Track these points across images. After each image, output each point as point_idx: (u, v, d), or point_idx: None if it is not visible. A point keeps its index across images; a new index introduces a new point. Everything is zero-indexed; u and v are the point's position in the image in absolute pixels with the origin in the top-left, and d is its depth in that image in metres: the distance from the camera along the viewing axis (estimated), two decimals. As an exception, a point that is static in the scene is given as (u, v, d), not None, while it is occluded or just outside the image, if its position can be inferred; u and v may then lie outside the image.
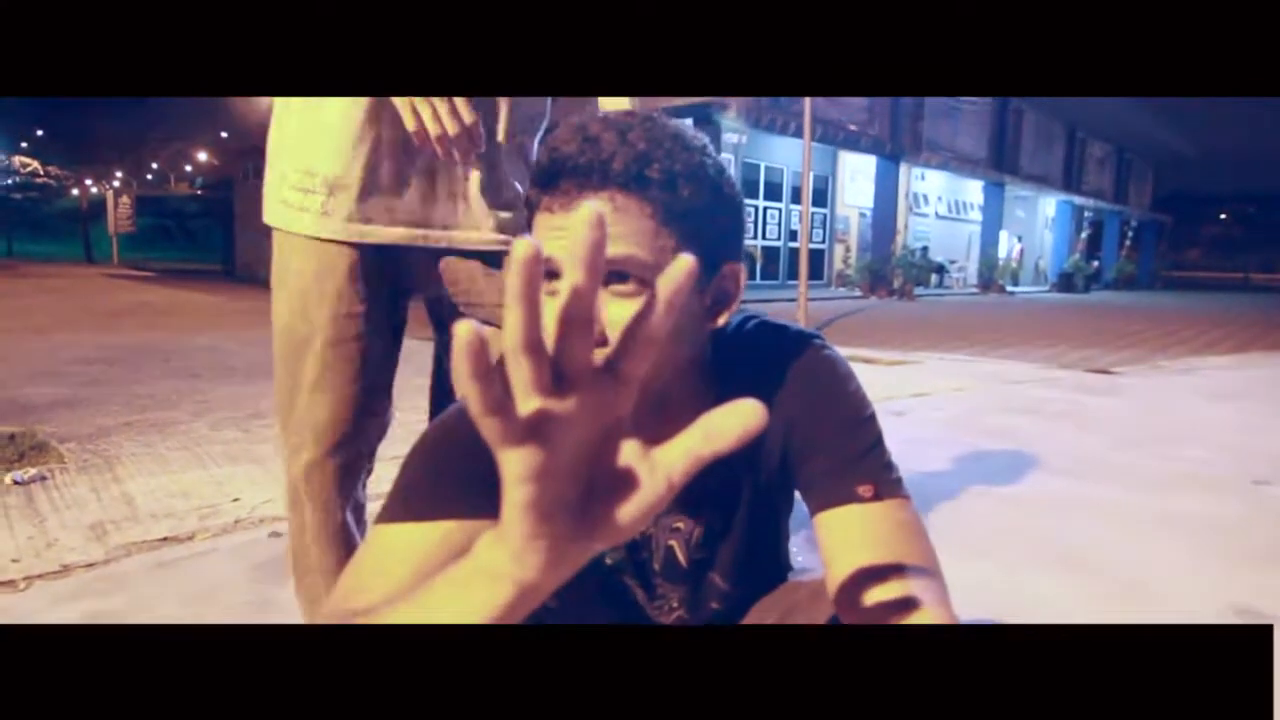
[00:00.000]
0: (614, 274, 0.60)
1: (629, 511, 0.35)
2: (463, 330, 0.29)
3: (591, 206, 0.31)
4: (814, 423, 0.69)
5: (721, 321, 0.69)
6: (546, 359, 0.31)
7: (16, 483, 2.26)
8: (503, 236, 1.11)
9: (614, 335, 0.60)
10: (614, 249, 0.59)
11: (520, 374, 0.31)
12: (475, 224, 1.11)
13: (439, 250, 1.12)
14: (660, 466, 0.35)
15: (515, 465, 0.33)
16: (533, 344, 0.31)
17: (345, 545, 1.19)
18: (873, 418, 0.70)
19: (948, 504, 2.29)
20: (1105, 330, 9.02)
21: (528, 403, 0.32)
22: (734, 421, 0.34)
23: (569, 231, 0.60)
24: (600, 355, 0.33)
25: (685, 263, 0.32)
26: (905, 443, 3.01)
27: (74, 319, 7.59)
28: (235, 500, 2.16)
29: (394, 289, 1.14)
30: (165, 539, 1.88)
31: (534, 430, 0.32)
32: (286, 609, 1.52)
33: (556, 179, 0.60)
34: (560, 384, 0.32)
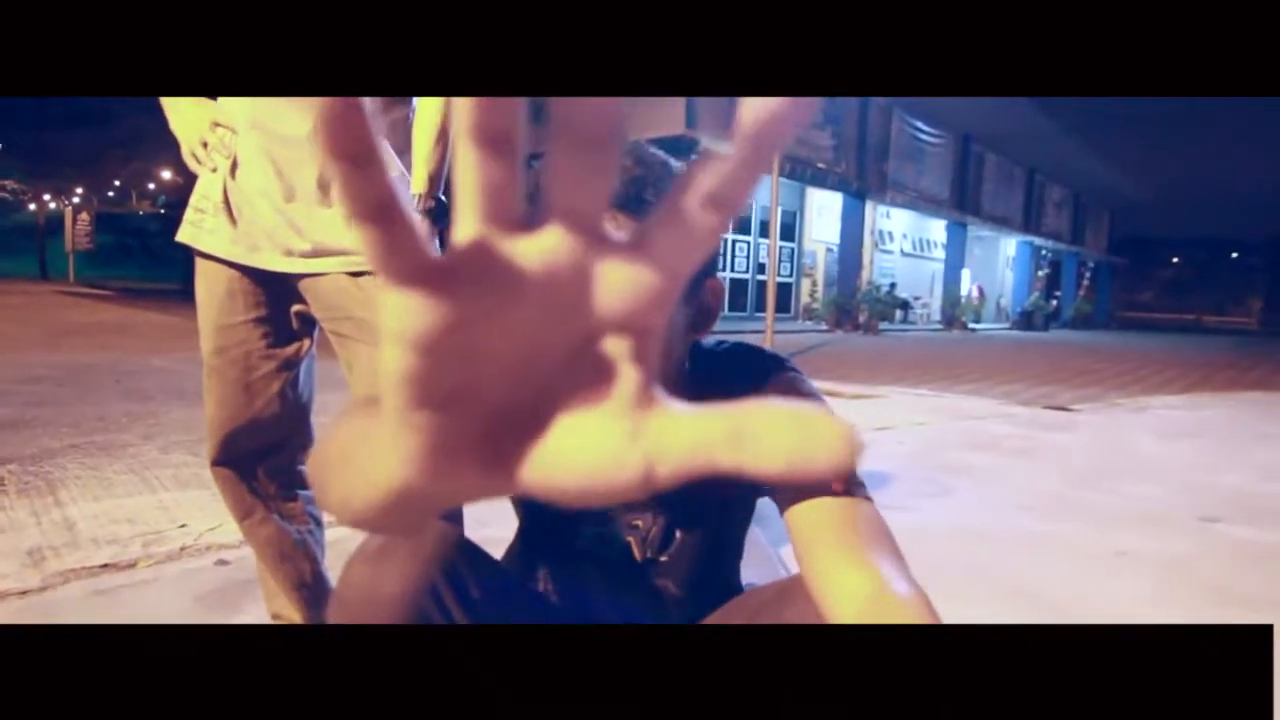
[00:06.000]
0: None
1: (562, 479, 0.21)
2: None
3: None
4: None
5: (707, 333, 0.73)
6: (516, 164, 0.19)
7: (-50, 506, 2.17)
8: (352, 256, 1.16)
9: None
10: None
11: (475, 180, 0.19)
12: (324, 246, 1.15)
13: (300, 273, 1.17)
14: (647, 439, 0.21)
15: (402, 313, 0.19)
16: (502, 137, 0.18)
17: (280, 555, 1.21)
18: None
19: (904, 537, 2.30)
20: (1063, 368, 9.22)
21: (468, 227, 0.19)
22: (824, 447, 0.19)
23: None
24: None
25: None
26: (868, 476, 3.02)
27: (23, 337, 7.37)
28: (182, 527, 2.10)
29: (279, 304, 1.20)
30: (106, 566, 1.81)
31: (458, 272, 0.19)
32: (229, 641, 1.47)
33: None
34: (552, 222, 0.20)
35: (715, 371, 0.75)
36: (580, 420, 0.21)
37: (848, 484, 0.68)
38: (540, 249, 0.20)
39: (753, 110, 0.18)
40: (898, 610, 0.59)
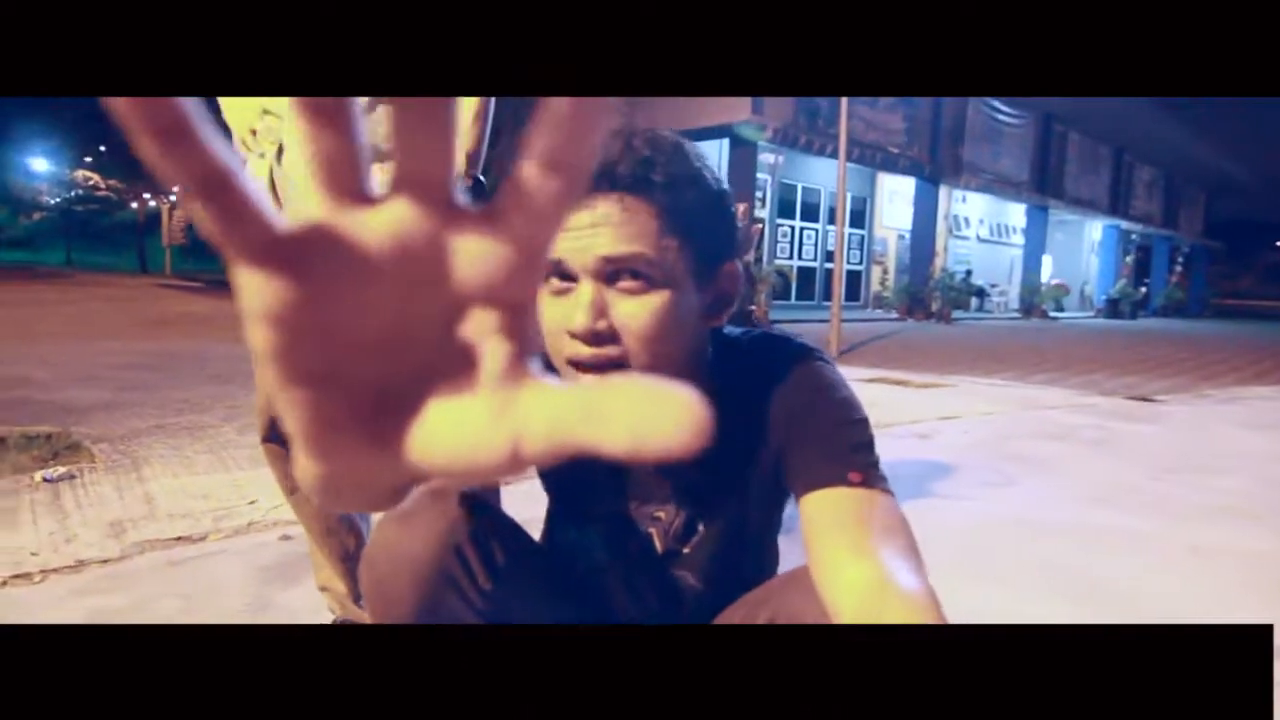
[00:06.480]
0: (624, 271, 0.63)
1: (434, 457, 0.21)
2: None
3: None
4: (808, 421, 0.71)
5: (724, 319, 0.73)
6: (351, 136, 0.19)
7: (47, 480, 2.33)
8: None
9: (624, 331, 0.63)
10: (624, 247, 0.63)
11: (311, 152, 0.19)
12: None
13: None
14: (514, 417, 0.20)
15: (251, 290, 0.19)
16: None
17: (326, 529, 1.25)
18: (865, 421, 0.72)
19: (965, 528, 2.24)
20: (1149, 358, 8.77)
21: (311, 201, 0.19)
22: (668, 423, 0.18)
23: (578, 231, 0.62)
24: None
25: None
26: (928, 465, 2.95)
27: (122, 326, 7.83)
28: (251, 503, 2.20)
29: None
30: (179, 539, 1.91)
31: (302, 247, 0.19)
32: (285, 611, 1.54)
33: None
34: (398, 194, 0.20)
35: (739, 360, 0.75)
36: (450, 398, 0.21)
37: (865, 475, 0.66)
38: (388, 220, 0.19)
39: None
40: (898, 604, 0.57)
